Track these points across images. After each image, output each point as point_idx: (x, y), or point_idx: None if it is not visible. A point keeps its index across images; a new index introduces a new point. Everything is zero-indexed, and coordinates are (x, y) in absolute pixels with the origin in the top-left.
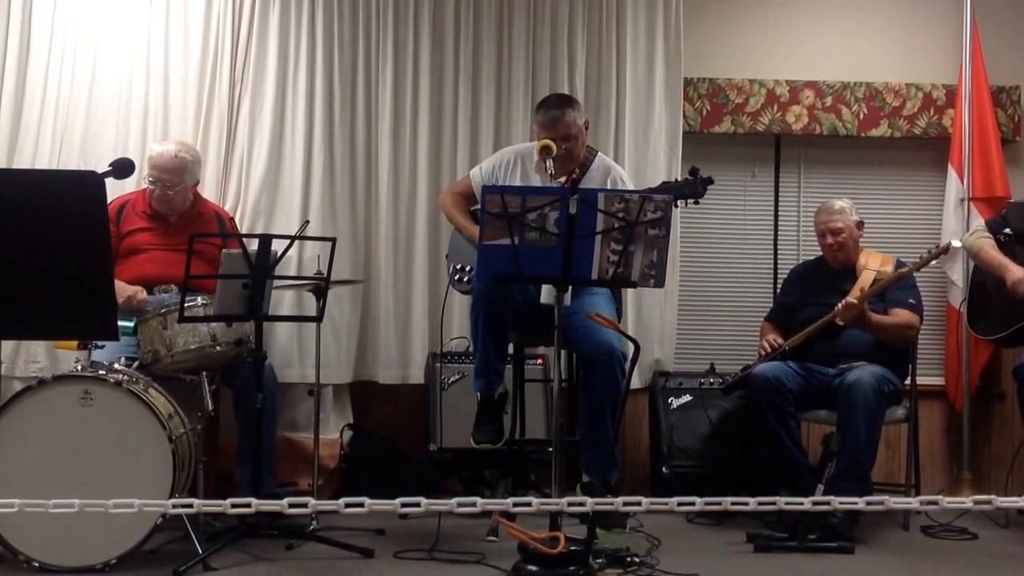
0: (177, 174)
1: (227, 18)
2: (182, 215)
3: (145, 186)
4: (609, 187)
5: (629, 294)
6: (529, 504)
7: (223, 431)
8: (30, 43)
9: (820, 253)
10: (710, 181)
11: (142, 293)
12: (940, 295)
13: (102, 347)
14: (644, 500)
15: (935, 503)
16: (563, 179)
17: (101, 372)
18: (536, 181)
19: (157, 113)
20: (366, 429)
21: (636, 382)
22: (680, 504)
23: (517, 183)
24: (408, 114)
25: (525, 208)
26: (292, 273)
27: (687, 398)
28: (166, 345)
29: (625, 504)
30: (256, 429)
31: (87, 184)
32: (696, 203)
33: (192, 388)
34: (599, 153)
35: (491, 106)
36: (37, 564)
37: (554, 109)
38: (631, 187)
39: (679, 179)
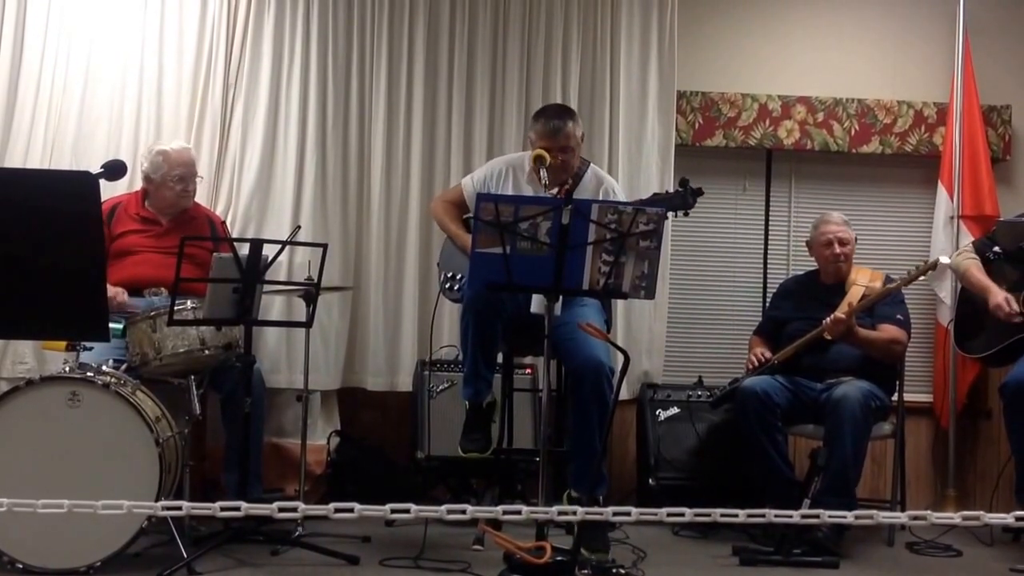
0: (196, 166)
1: (222, 22)
2: (175, 218)
3: (138, 188)
4: (601, 198)
5: (619, 305)
6: (518, 512)
7: (210, 436)
8: (23, 43)
9: (809, 268)
10: (700, 192)
11: (123, 295)
12: (929, 313)
13: (90, 349)
14: (633, 510)
15: (923, 518)
16: (556, 190)
17: (89, 374)
18: (527, 191)
19: (150, 116)
20: (353, 436)
21: (624, 394)
22: (669, 515)
23: (509, 193)
24: (401, 121)
25: (518, 217)
26: (282, 278)
27: (675, 410)
28: (155, 348)
29: (615, 513)
30: (243, 434)
31: (81, 184)
32: (686, 214)
33: (180, 392)
34: (591, 164)
35: (484, 115)
36: (21, 566)
37: (555, 119)
38: (623, 198)
39: (670, 191)
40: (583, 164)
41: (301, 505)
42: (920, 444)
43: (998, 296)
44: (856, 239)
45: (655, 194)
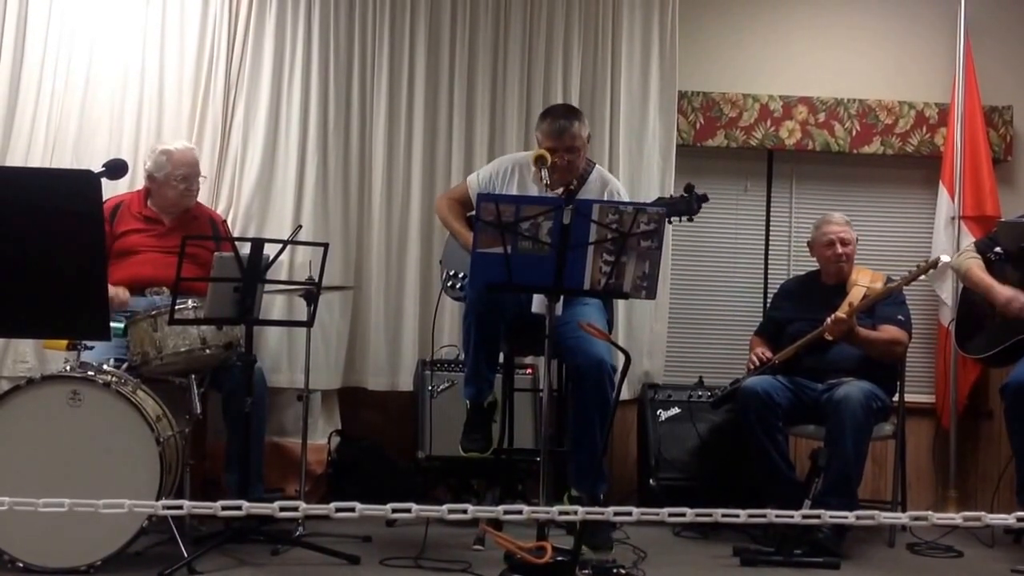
0: (199, 166)
1: (223, 21)
2: (177, 218)
3: (141, 187)
4: (606, 200)
5: (620, 306)
6: (520, 512)
7: (211, 435)
8: (25, 43)
9: (810, 269)
10: (705, 199)
11: (124, 293)
12: (931, 313)
13: (91, 348)
14: (635, 510)
15: (924, 519)
16: (560, 190)
17: (90, 373)
18: (533, 191)
19: (151, 115)
20: (354, 435)
21: (625, 394)
22: (671, 515)
23: (514, 192)
24: (403, 121)
25: (519, 217)
26: (283, 278)
27: (676, 411)
28: (156, 347)
29: (616, 513)
30: (244, 433)
31: (83, 183)
32: (690, 220)
33: (181, 391)
34: (596, 165)
35: (486, 114)
36: (22, 564)
37: (562, 119)
38: (627, 201)
39: (673, 194)
40: (589, 165)
41: (302, 504)
42: (921, 445)
43: (1004, 293)
44: (857, 240)
45: (659, 198)
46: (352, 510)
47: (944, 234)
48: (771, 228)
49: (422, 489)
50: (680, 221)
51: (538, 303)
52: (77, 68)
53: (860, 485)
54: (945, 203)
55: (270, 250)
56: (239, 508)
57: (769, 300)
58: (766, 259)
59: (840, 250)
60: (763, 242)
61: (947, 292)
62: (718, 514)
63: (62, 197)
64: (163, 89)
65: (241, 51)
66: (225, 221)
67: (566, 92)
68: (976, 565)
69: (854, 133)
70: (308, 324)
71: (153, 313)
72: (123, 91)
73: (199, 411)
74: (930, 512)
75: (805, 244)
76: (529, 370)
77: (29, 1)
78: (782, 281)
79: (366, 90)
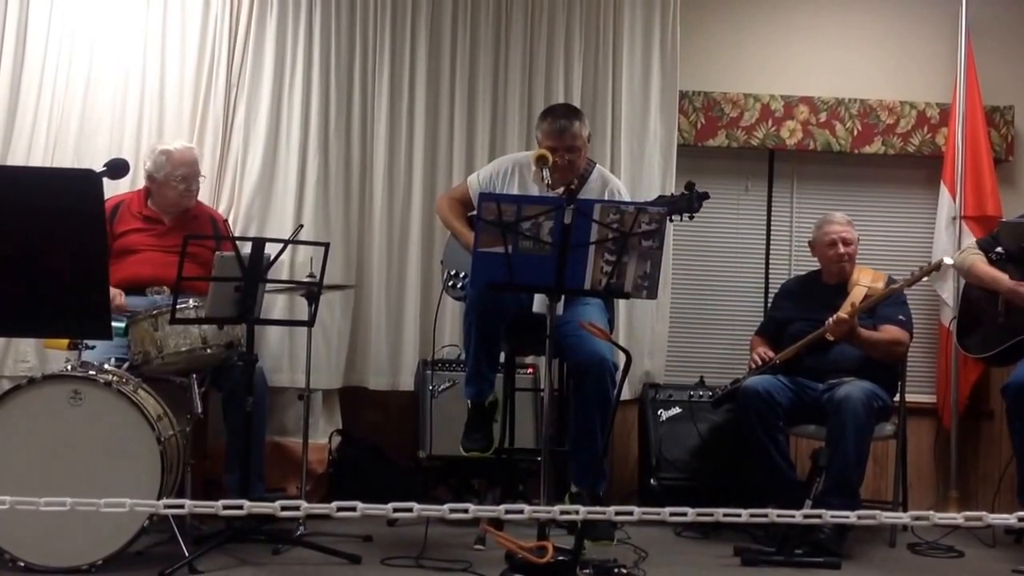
0: (199, 166)
1: (224, 22)
2: (177, 217)
3: (140, 187)
4: (607, 199)
5: (621, 305)
6: (521, 511)
7: (211, 435)
8: (26, 43)
9: (811, 268)
10: (706, 196)
11: (120, 297)
12: (932, 313)
13: (92, 347)
14: (636, 510)
15: (926, 519)
16: (560, 190)
17: (91, 372)
18: (534, 190)
19: (152, 115)
20: (355, 435)
21: (626, 393)
22: (672, 515)
23: (515, 192)
24: (404, 120)
25: (520, 217)
26: (284, 277)
27: (676, 410)
28: (157, 346)
29: (617, 513)
30: (245, 433)
31: (84, 182)
32: (691, 218)
33: (181, 390)
34: (597, 165)
35: (487, 114)
36: (23, 564)
37: (562, 119)
38: (628, 200)
39: (674, 193)
40: (589, 164)
41: (304, 504)
42: (922, 445)
43: (1010, 282)
44: (859, 239)
45: (660, 196)
46: (353, 509)
47: (945, 234)
48: (772, 228)
49: (423, 489)
50: (681, 219)
51: (539, 303)
52: (78, 69)
53: (861, 485)
54: (946, 203)
55: (271, 249)
56: (240, 507)
57: (770, 300)
58: (767, 259)
59: (842, 250)
60: (764, 242)
61: (948, 292)
62: (719, 514)
63: (64, 196)
64: (164, 90)
65: (242, 51)
66: (226, 220)
67: (567, 92)
68: (977, 565)
69: (855, 133)
70: (309, 323)
71: (154, 312)
72: (124, 92)
73: (200, 410)
74: (931, 512)
75: (806, 244)
76: (530, 370)
77: (30, 2)
78: (783, 281)
79: (367, 90)
